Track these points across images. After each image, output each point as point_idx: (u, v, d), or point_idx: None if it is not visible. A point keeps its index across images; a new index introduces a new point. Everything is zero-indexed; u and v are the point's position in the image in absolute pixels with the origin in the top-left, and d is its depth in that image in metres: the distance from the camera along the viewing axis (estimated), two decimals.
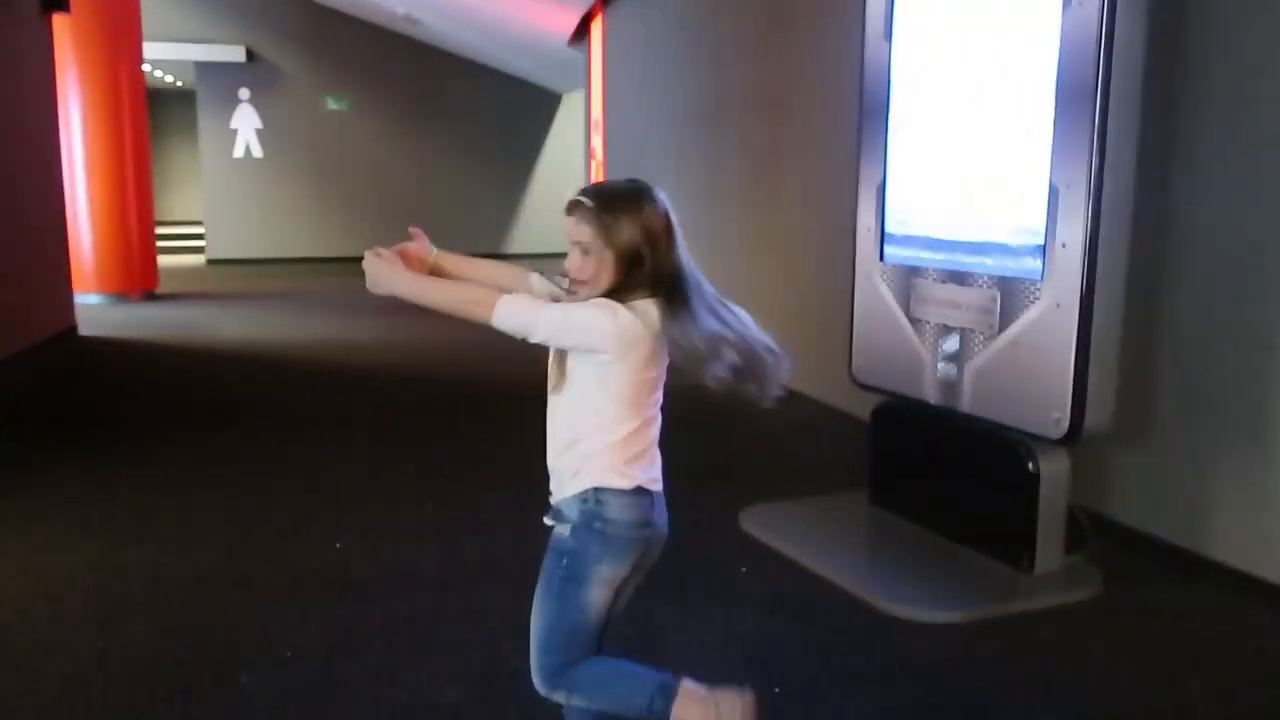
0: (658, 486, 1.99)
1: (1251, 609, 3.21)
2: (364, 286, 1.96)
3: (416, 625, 3.07)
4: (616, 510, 1.92)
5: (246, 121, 14.92)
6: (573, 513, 1.95)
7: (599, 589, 1.94)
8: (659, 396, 1.97)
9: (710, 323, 1.87)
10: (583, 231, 1.87)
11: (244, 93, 14.85)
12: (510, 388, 6.45)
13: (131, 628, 3.06)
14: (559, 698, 2.00)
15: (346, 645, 2.93)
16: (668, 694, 1.93)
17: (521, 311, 1.86)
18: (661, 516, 2.00)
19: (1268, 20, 3.21)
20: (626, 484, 1.92)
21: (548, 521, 2.01)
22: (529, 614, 2.00)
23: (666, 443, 2.00)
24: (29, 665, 2.83)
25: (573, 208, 1.89)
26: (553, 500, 2.00)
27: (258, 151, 15.03)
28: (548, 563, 1.98)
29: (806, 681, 2.72)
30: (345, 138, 15.34)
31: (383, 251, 1.97)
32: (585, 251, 1.87)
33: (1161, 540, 3.58)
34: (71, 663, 2.83)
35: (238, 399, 6.34)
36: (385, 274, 1.93)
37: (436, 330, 9.07)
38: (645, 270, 1.87)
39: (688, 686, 1.95)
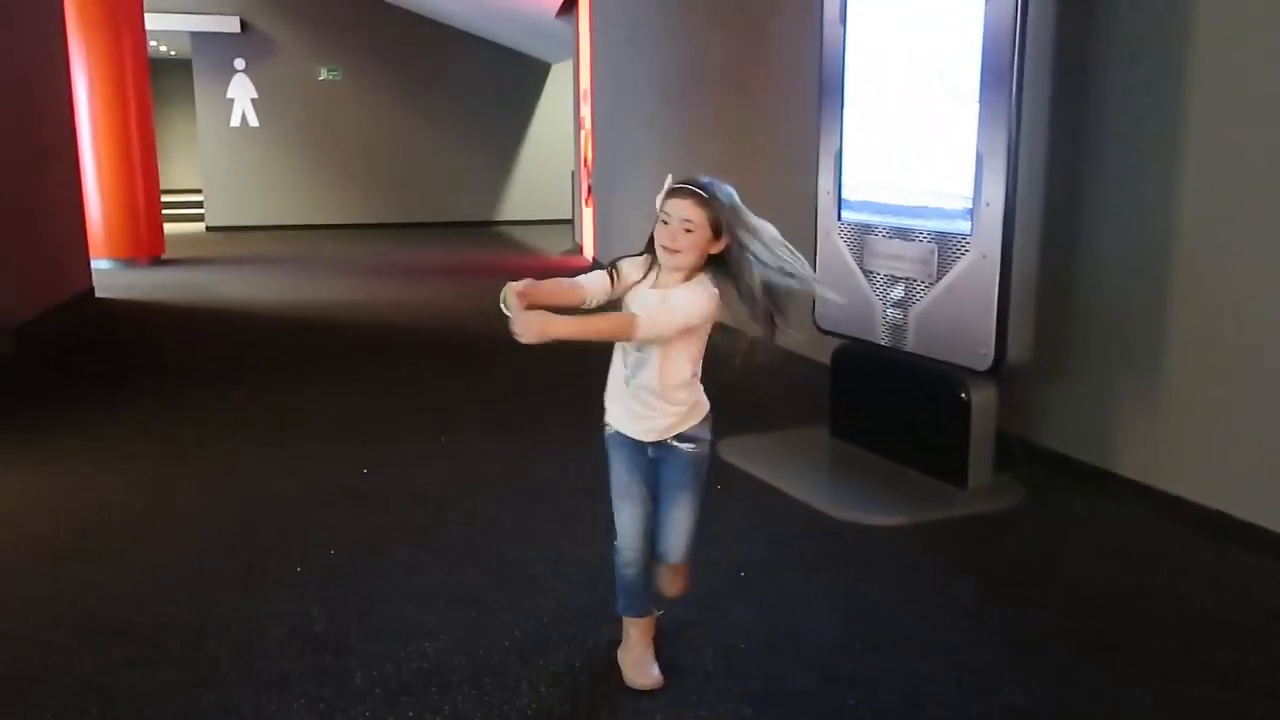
0: None
1: (1149, 514, 3.77)
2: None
3: (433, 531, 3.60)
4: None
5: (242, 91, 15.31)
6: (704, 433, 2.53)
7: None
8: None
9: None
10: (695, 213, 2.25)
11: (239, 62, 15.22)
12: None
13: (192, 531, 3.60)
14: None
15: (376, 546, 3.46)
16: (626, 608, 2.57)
17: (654, 323, 2.28)
18: None
19: (1143, 13, 3.72)
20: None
21: (680, 445, 2.51)
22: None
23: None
24: (114, 558, 3.36)
25: (685, 193, 2.26)
26: (665, 431, 2.48)
27: (254, 121, 15.42)
28: (690, 471, 2.51)
29: (766, 568, 3.27)
30: (338, 107, 15.74)
31: (519, 293, 2.21)
32: (690, 230, 2.25)
33: (1078, 460, 4.14)
34: (156, 553, 3.37)
35: (249, 355, 6.85)
36: (538, 325, 2.16)
37: (423, 291, 9.57)
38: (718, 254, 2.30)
39: (637, 630, 2.57)
